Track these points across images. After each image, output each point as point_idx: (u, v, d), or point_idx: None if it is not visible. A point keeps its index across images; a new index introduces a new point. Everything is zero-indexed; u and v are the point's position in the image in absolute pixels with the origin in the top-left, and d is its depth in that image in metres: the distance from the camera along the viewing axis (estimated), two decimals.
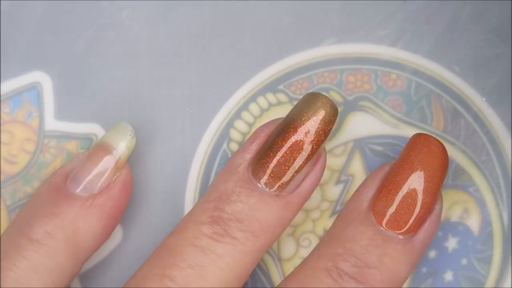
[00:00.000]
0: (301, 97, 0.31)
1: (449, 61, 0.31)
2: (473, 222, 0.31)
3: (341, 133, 0.31)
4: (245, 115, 0.31)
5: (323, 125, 0.28)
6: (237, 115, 0.31)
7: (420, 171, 0.28)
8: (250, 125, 0.31)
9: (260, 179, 0.28)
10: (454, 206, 0.31)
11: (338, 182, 0.31)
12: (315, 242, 0.31)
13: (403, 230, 0.28)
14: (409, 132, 0.31)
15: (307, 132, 0.28)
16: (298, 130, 0.28)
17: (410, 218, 0.28)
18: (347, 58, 0.31)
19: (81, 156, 0.29)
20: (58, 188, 0.29)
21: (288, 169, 0.28)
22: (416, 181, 0.28)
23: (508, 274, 0.31)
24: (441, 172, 0.28)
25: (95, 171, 0.29)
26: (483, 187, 0.31)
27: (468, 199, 0.31)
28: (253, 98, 0.31)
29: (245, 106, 0.31)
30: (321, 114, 0.28)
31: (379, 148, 0.31)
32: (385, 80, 0.31)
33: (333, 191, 0.32)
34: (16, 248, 0.27)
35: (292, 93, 0.31)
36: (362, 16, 0.31)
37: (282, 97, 0.31)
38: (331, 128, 0.28)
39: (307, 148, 0.28)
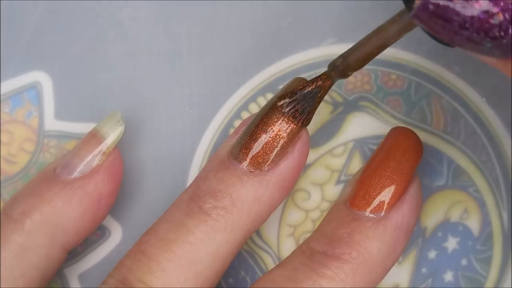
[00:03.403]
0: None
1: (449, 61, 0.31)
2: (473, 223, 0.31)
3: (341, 133, 0.31)
4: (245, 115, 0.31)
5: (302, 107, 0.28)
6: (237, 115, 0.32)
7: (391, 153, 0.29)
8: None
9: (235, 157, 0.28)
10: (454, 206, 0.31)
11: (338, 182, 0.31)
12: None
13: (370, 208, 0.28)
14: None
15: (285, 113, 0.28)
16: (276, 110, 0.28)
17: (378, 196, 0.28)
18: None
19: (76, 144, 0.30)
20: (45, 174, 0.29)
21: (263, 147, 0.28)
22: (386, 163, 0.29)
23: (508, 274, 0.31)
24: (411, 153, 0.29)
25: (80, 157, 0.29)
26: (483, 187, 0.31)
27: (468, 199, 0.31)
28: (253, 98, 0.31)
29: (245, 106, 0.31)
30: (298, 96, 0.28)
31: None
32: (385, 80, 0.31)
33: (333, 191, 0.32)
34: (1, 229, 0.28)
35: None
36: (362, 16, 0.31)
37: None
38: (309, 111, 0.28)
39: (283, 128, 0.28)
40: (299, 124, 0.28)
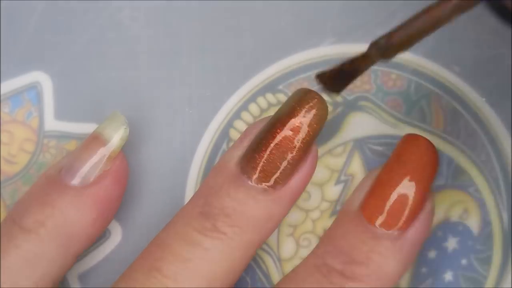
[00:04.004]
0: (299, 88, 0.31)
1: (449, 61, 0.31)
2: (473, 222, 0.31)
3: (340, 133, 0.31)
4: (245, 115, 0.31)
5: (314, 122, 0.28)
6: (237, 115, 0.32)
7: (408, 169, 0.28)
8: None
9: (248, 175, 0.28)
10: (454, 206, 0.31)
11: (337, 182, 0.31)
12: (315, 242, 0.31)
13: (392, 228, 0.28)
14: (409, 132, 0.31)
15: (297, 128, 0.28)
16: (287, 126, 0.28)
17: (399, 216, 0.28)
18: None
19: (77, 147, 0.29)
20: (52, 179, 0.29)
21: (276, 165, 0.28)
22: (404, 179, 0.28)
23: (508, 274, 0.31)
24: (430, 169, 0.28)
25: (88, 162, 0.29)
26: (483, 187, 0.31)
27: (468, 199, 0.31)
28: (252, 98, 0.31)
29: (244, 106, 0.31)
30: (311, 110, 0.28)
31: (379, 148, 0.31)
32: (385, 80, 0.31)
33: (333, 191, 0.32)
34: (8, 236, 0.28)
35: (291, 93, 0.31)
36: (362, 16, 0.31)
37: (281, 97, 0.31)
38: (321, 125, 0.28)
39: (296, 144, 0.28)
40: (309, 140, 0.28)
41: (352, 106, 0.31)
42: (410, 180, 0.28)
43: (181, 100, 0.31)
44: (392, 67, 0.31)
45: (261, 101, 0.31)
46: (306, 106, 0.28)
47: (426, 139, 0.29)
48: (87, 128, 0.31)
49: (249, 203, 0.28)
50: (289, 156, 0.28)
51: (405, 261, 0.28)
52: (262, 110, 0.31)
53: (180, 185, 0.31)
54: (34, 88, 0.31)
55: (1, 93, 0.31)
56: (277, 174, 0.28)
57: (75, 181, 0.29)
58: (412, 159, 0.28)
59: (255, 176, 0.28)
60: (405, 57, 0.31)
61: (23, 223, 0.28)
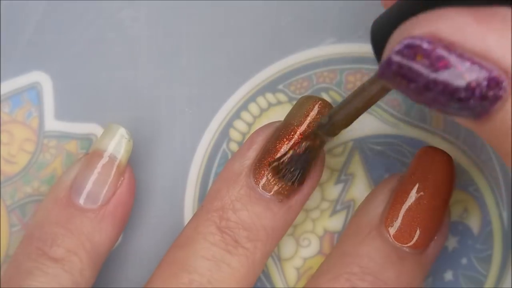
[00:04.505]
0: (300, 97, 0.31)
1: None
2: (473, 222, 0.31)
3: (340, 133, 0.31)
4: (245, 115, 0.31)
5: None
6: (236, 115, 0.32)
7: (431, 185, 0.28)
8: (250, 125, 0.31)
9: (263, 186, 0.28)
10: (454, 206, 0.31)
11: (337, 181, 0.31)
12: (315, 242, 0.31)
13: (416, 246, 0.28)
14: (409, 131, 0.31)
15: (308, 136, 0.28)
16: (298, 134, 0.28)
17: (423, 233, 0.28)
18: (347, 58, 0.31)
19: (81, 165, 0.29)
20: (66, 203, 0.29)
21: (291, 174, 0.28)
22: (427, 196, 0.28)
23: (508, 274, 0.31)
24: (449, 185, 0.29)
25: (98, 182, 0.29)
26: (483, 187, 0.31)
27: (468, 198, 0.31)
28: (252, 98, 0.31)
29: (244, 106, 0.31)
30: (317, 114, 0.28)
31: (379, 148, 0.31)
32: None
33: (333, 190, 0.32)
34: (40, 266, 0.28)
35: (291, 93, 0.31)
36: (362, 16, 0.31)
37: (281, 97, 0.31)
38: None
39: (307, 151, 0.28)
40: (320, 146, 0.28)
41: None
42: (437, 201, 0.28)
43: (181, 100, 0.31)
44: None
45: (261, 101, 0.31)
46: (315, 113, 0.28)
47: (443, 152, 0.29)
48: (87, 128, 0.31)
49: (267, 216, 0.28)
50: (302, 164, 0.28)
51: (422, 276, 0.29)
52: (262, 110, 0.31)
53: (180, 184, 0.31)
54: (34, 88, 0.31)
55: (1, 93, 0.31)
56: (292, 184, 0.28)
57: (90, 202, 0.29)
58: (431, 173, 0.29)
59: (269, 188, 0.28)
60: None
61: (52, 253, 0.28)
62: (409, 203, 0.28)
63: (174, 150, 0.31)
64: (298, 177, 0.28)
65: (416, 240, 0.28)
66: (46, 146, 0.31)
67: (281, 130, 0.29)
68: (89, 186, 0.29)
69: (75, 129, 0.31)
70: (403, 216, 0.28)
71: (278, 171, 0.28)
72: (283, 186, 0.28)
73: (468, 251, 0.31)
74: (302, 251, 0.31)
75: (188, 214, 0.31)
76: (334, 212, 0.31)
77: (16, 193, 0.31)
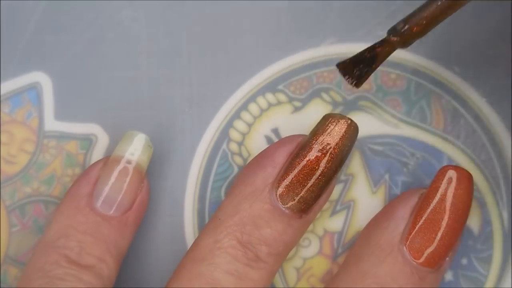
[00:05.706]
0: (300, 97, 0.31)
1: (449, 61, 0.31)
2: (473, 222, 0.31)
3: None
4: (245, 115, 0.31)
5: (345, 144, 0.28)
6: (236, 115, 0.32)
7: (453, 208, 0.28)
8: (250, 125, 0.31)
9: (287, 204, 0.28)
10: None
11: (337, 181, 0.31)
12: (315, 242, 0.31)
13: (436, 267, 0.29)
14: (409, 131, 0.31)
15: (331, 154, 0.28)
16: (321, 151, 0.28)
17: (444, 255, 0.29)
18: (347, 58, 0.31)
19: (102, 172, 0.29)
20: (90, 211, 0.29)
21: (314, 191, 0.28)
22: (450, 219, 0.28)
23: (508, 274, 0.31)
24: (469, 205, 0.29)
25: (123, 191, 0.29)
26: (483, 187, 0.31)
27: None
28: (252, 98, 0.31)
29: (244, 106, 0.31)
30: (343, 134, 0.28)
31: (379, 148, 0.31)
32: (384, 80, 0.31)
33: (333, 191, 0.31)
34: (72, 273, 0.28)
35: (291, 93, 0.31)
36: (362, 16, 0.31)
37: (281, 97, 0.31)
38: (351, 147, 0.29)
39: (331, 168, 0.28)
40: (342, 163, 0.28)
41: (352, 106, 0.31)
42: (458, 222, 0.29)
43: (181, 100, 0.31)
44: (392, 67, 0.31)
45: (261, 101, 0.31)
46: (339, 131, 0.28)
47: (468, 173, 0.29)
48: (87, 128, 0.31)
49: (288, 232, 0.28)
50: (325, 181, 0.28)
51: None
52: (262, 110, 0.31)
53: (180, 184, 0.31)
54: (34, 88, 0.31)
55: (1, 93, 0.31)
56: (314, 200, 0.28)
57: (117, 212, 0.29)
58: (455, 197, 0.29)
59: (293, 206, 0.28)
60: (405, 57, 0.31)
61: (83, 261, 0.28)
62: (435, 227, 0.29)
63: (174, 150, 0.31)
64: (357, 79, 0.26)
65: (436, 262, 0.29)
66: (46, 146, 0.31)
67: (306, 148, 0.29)
68: (115, 195, 0.29)
69: (75, 129, 0.31)
70: (428, 239, 0.29)
71: (342, 68, 0.26)
72: (308, 204, 0.28)
73: (468, 251, 0.31)
74: (302, 251, 0.31)
75: (188, 214, 0.31)
76: (334, 212, 0.31)
77: (15, 193, 0.31)
